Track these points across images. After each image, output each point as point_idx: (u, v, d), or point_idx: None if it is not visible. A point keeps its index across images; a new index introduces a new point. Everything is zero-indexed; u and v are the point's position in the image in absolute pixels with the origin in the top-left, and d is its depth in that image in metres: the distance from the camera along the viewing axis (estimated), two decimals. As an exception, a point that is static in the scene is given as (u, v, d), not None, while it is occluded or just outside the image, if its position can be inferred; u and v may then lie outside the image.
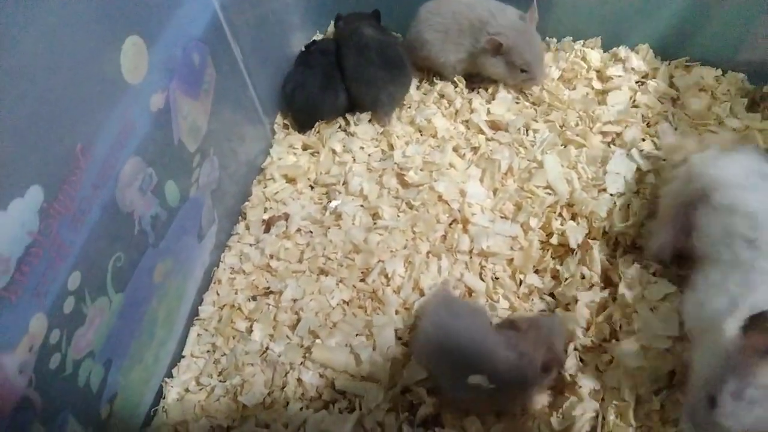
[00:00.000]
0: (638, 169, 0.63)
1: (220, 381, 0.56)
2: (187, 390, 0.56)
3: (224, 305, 0.61)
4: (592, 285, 0.56)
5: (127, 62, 0.43)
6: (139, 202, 0.47)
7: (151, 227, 0.49)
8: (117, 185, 0.44)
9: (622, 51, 0.75)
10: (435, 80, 0.78)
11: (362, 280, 0.60)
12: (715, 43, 0.72)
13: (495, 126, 0.72)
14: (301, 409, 0.53)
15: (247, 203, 0.69)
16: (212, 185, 0.59)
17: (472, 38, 0.72)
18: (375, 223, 0.64)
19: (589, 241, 0.58)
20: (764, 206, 0.47)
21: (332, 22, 0.80)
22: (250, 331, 0.58)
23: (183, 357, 0.58)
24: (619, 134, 0.68)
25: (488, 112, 0.73)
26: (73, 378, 0.43)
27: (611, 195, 0.61)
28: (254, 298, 0.61)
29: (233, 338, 0.58)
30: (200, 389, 0.56)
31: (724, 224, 0.48)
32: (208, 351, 0.58)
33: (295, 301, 0.59)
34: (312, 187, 0.70)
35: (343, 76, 0.74)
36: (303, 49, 0.77)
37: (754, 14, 0.68)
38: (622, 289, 0.54)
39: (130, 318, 0.49)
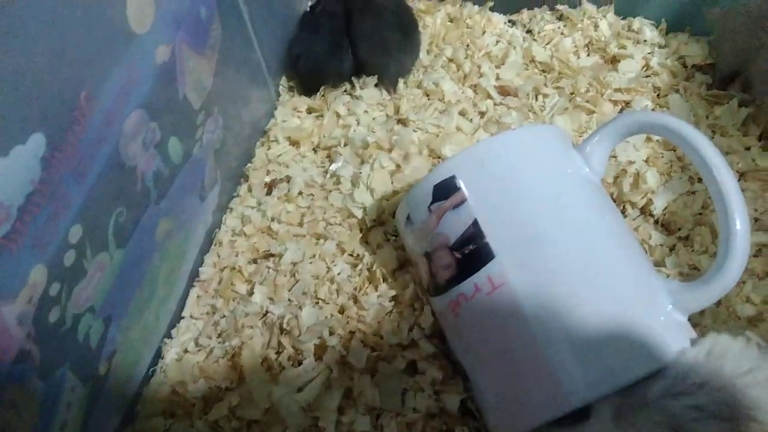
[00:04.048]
0: (648, 138, 0.63)
1: (219, 342, 0.55)
2: (185, 351, 0.55)
3: (225, 267, 0.60)
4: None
5: (134, 10, 0.42)
6: (142, 157, 0.46)
7: (153, 184, 0.48)
8: (120, 138, 0.43)
9: (636, 22, 0.74)
10: (443, 45, 0.77)
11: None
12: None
13: (504, 91, 0.71)
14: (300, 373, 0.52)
15: (249, 165, 0.67)
16: (215, 144, 0.58)
17: None
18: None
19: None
20: None
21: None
22: (250, 293, 0.57)
23: (182, 318, 0.58)
24: (628, 103, 0.67)
25: (497, 77, 0.72)
26: (72, 332, 0.42)
27: (620, 162, 0.61)
28: (255, 261, 0.60)
29: (233, 300, 0.58)
30: (199, 350, 0.55)
31: None
32: (207, 312, 0.58)
33: (294, 264, 0.59)
34: (315, 150, 0.69)
35: (351, 41, 0.72)
36: (308, 9, 0.76)
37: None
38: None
39: (130, 275, 0.48)
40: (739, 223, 0.40)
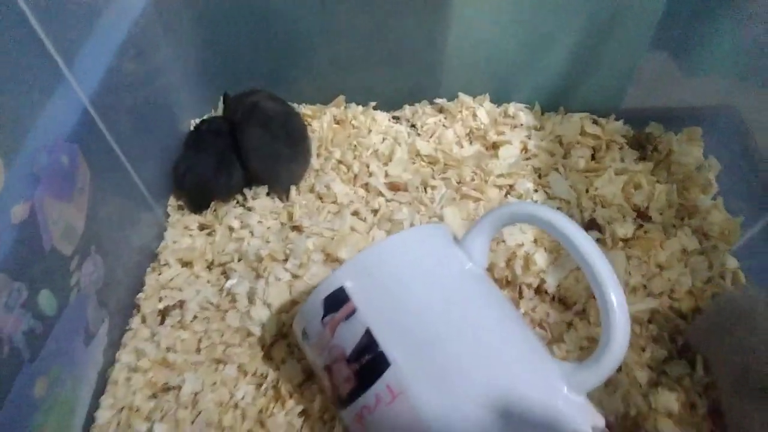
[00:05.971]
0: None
1: (121, 494, 0.52)
2: None
3: (122, 408, 0.57)
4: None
5: (-22, 179, 0.41)
6: (7, 321, 0.44)
7: (25, 343, 0.46)
8: (-23, 307, 0.41)
9: (511, 107, 0.77)
10: (331, 147, 0.78)
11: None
12: (599, 93, 0.75)
13: (394, 187, 0.72)
14: None
15: (141, 294, 0.65)
16: (97, 284, 0.56)
17: None
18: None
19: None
20: None
21: (221, 99, 0.78)
22: (150, 433, 0.55)
23: (81, 471, 0.55)
24: (512, 185, 0.69)
25: (386, 174, 0.73)
26: None
27: (509, 246, 0.62)
28: (154, 396, 0.58)
29: (133, 443, 0.55)
30: (100, 506, 0.52)
31: None
32: (107, 461, 0.55)
33: (195, 394, 0.57)
34: (209, 269, 0.68)
35: (241, 155, 0.72)
36: (192, 129, 0.76)
37: (634, 61, 0.72)
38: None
39: (10, 440, 0.46)
40: (615, 298, 0.41)
